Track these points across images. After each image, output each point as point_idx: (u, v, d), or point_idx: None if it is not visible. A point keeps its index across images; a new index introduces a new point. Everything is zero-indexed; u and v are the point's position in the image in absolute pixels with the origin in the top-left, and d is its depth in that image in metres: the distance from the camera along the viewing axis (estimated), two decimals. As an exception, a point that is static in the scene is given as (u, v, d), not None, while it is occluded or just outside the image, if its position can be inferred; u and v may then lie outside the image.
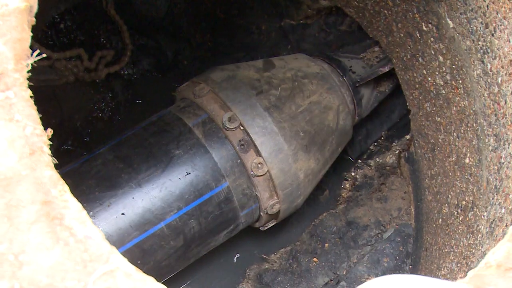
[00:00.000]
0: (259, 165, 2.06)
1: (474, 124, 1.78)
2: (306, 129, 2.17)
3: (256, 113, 2.08)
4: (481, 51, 1.65)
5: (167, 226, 1.94)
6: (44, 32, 2.68)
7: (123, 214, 1.88)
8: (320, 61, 2.41)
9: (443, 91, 1.99)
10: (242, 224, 2.20)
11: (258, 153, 2.06)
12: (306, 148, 2.16)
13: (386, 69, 2.42)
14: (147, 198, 1.92)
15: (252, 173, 2.07)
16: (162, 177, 1.96)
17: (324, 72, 2.34)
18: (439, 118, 2.08)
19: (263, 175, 2.08)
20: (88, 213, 1.87)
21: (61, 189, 0.88)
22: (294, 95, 2.19)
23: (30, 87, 0.94)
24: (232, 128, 2.05)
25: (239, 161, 2.07)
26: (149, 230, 1.90)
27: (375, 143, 2.77)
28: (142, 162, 1.97)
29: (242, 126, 2.06)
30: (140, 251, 1.90)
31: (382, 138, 2.77)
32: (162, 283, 0.89)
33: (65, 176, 1.92)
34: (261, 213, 2.21)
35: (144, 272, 0.88)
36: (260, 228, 2.34)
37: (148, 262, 1.94)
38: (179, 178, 1.98)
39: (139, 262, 1.91)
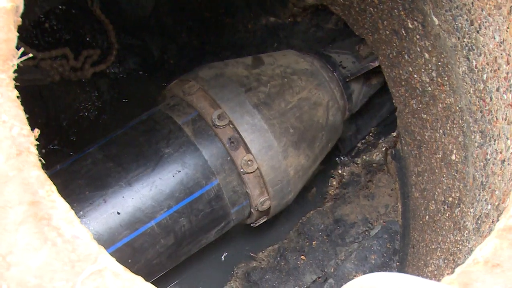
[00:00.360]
0: (249, 162, 2.06)
1: (460, 121, 1.79)
2: (295, 126, 2.17)
3: (245, 110, 2.08)
4: (467, 48, 1.66)
5: (157, 225, 1.93)
6: (29, 31, 2.67)
7: (113, 213, 1.87)
8: (310, 57, 2.42)
9: (429, 88, 2.00)
10: (233, 221, 2.20)
11: (247, 150, 2.06)
12: (295, 145, 2.16)
13: (376, 63, 2.42)
14: (138, 197, 1.91)
15: (242, 170, 2.07)
16: (152, 175, 1.96)
17: (313, 68, 2.34)
18: (425, 115, 2.09)
19: (253, 172, 2.08)
20: (79, 212, 1.86)
21: (48, 189, 0.88)
22: (283, 91, 2.19)
23: (15, 87, 0.93)
24: (222, 126, 2.05)
25: (229, 158, 2.06)
26: (139, 229, 1.90)
27: (362, 141, 2.78)
28: (132, 161, 1.97)
29: (232, 124, 2.06)
30: (131, 250, 1.90)
31: (371, 134, 2.78)
32: (151, 282, 0.89)
33: (55, 175, 1.91)
34: (252, 210, 2.21)
35: (135, 270, 0.88)
36: (251, 225, 2.34)
37: (139, 261, 1.93)
38: (169, 177, 1.97)
39: (129, 261, 1.90)
